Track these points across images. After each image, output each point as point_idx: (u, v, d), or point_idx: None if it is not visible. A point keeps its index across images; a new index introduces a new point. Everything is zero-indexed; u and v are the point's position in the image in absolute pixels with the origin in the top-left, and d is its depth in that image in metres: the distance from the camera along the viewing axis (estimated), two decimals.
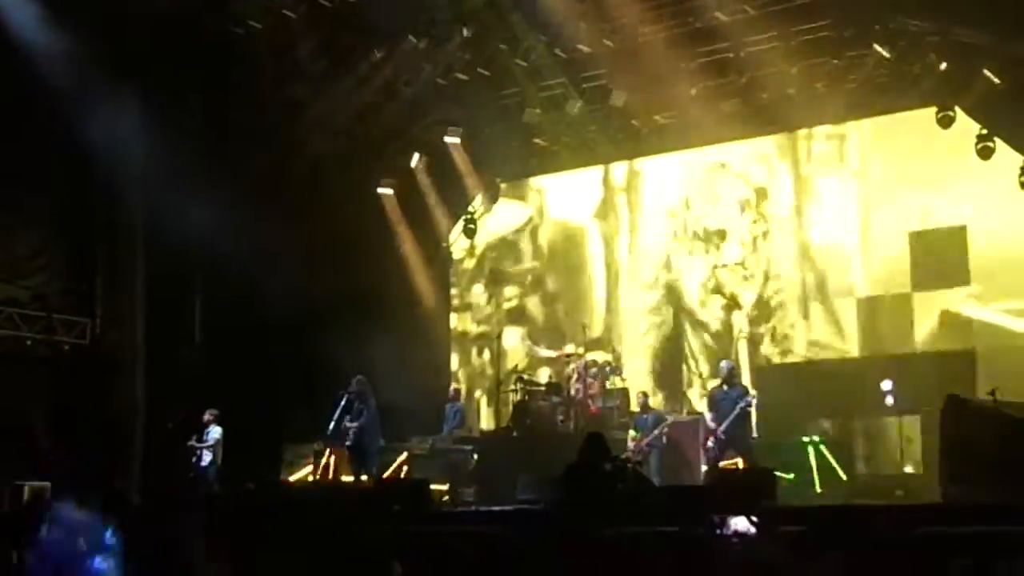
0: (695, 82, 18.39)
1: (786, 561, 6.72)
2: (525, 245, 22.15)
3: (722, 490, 10.90)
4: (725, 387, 14.87)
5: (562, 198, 21.80)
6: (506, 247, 22.30)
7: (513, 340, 21.25)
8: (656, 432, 16.19)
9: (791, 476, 15.49)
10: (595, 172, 21.36)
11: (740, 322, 19.59)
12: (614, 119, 19.72)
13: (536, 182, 21.98)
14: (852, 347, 18.67)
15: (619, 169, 21.21)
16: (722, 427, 14.46)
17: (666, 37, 17.65)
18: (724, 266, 19.93)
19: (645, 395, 17.13)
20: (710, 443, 14.72)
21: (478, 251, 22.45)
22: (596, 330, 20.66)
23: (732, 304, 19.72)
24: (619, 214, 21.26)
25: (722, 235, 20.04)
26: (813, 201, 19.29)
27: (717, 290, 19.93)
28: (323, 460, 17.61)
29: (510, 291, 22.15)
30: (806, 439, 16.19)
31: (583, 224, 21.58)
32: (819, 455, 15.94)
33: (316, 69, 18.42)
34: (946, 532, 7.74)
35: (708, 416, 14.93)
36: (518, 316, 21.84)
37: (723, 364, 15.52)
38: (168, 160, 17.37)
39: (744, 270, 19.74)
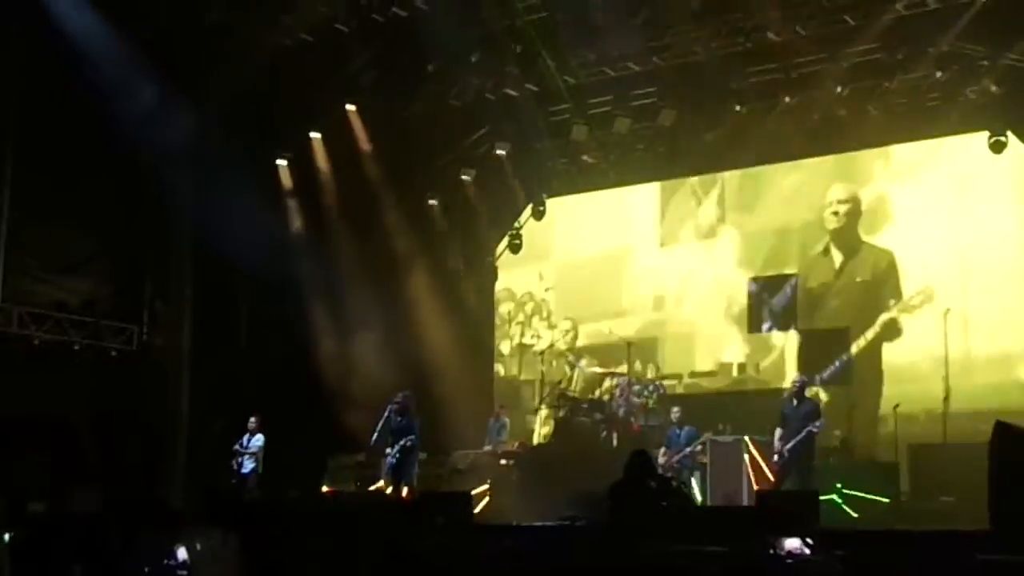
0: (744, 101, 18.36)
1: None
2: (574, 265, 22.09)
3: (767, 510, 10.83)
4: (795, 402, 14.76)
5: (609, 217, 21.73)
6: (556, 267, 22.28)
7: (559, 358, 21.19)
8: (688, 449, 16.09)
9: (832, 496, 15.35)
10: (642, 190, 21.28)
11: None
12: (662, 137, 19.67)
13: (583, 200, 21.91)
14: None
15: (667, 187, 21.12)
16: (788, 445, 14.37)
17: (717, 56, 17.63)
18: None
19: (678, 411, 17.05)
20: (775, 458, 14.62)
21: (525, 267, 22.42)
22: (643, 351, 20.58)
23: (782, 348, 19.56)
24: (664, 233, 21.19)
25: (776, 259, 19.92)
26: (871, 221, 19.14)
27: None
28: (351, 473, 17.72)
29: (557, 309, 22.10)
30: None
31: (630, 243, 21.51)
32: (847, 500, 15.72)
33: (367, 81, 18.57)
34: (1005, 560, 7.65)
35: (777, 433, 14.82)
36: (565, 334, 21.79)
37: (796, 378, 15.41)
38: (219, 169, 17.51)
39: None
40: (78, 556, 8.33)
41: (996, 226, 17.63)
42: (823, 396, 18.09)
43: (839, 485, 15.45)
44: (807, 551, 6.99)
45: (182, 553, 8.32)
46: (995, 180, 17.59)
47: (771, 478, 14.91)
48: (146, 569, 8.08)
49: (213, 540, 8.65)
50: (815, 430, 14.47)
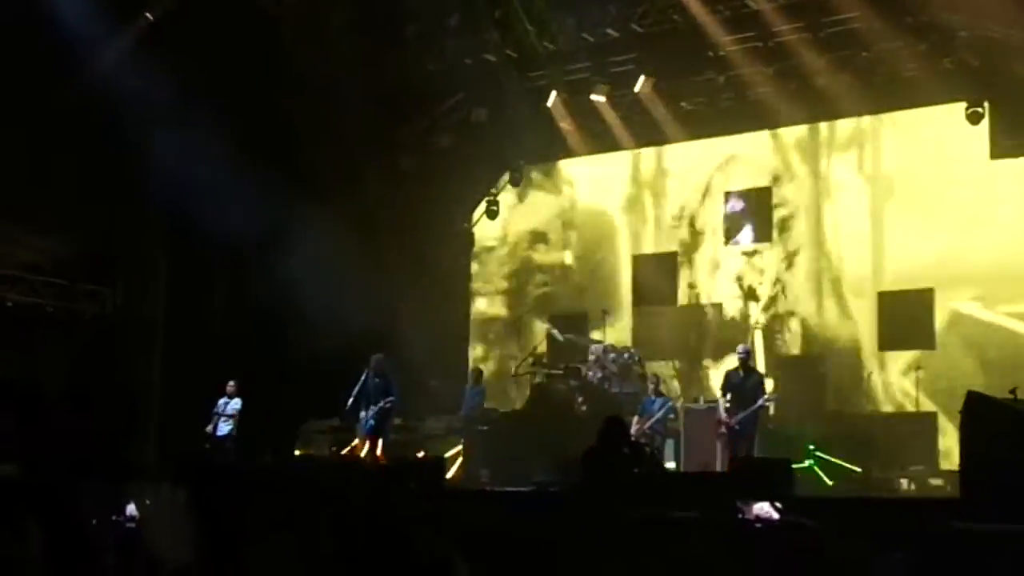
0: (722, 70, 18.33)
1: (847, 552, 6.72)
2: (553, 234, 22.06)
3: (740, 477, 10.89)
4: (742, 372, 14.79)
5: (588, 186, 21.70)
6: (535, 236, 22.23)
7: (535, 325, 21.17)
8: (659, 415, 16.12)
9: (806, 463, 15.47)
10: (618, 158, 21.25)
11: (756, 313, 19.48)
12: (639, 105, 19.62)
13: (564, 170, 21.87)
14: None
15: (642, 156, 21.09)
16: (736, 418, 14.40)
17: (695, 24, 17.58)
18: (744, 255, 19.83)
19: (657, 379, 17.09)
20: (722, 430, 14.67)
21: (506, 236, 22.38)
22: (620, 317, 20.61)
23: (749, 295, 19.63)
24: (642, 202, 21.17)
25: (739, 225, 19.95)
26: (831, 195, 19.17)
27: (736, 280, 19.84)
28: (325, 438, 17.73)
29: (536, 277, 22.08)
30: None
31: (608, 211, 21.50)
32: (823, 465, 15.84)
33: (347, 45, 18.43)
34: (976, 529, 7.71)
35: (721, 403, 14.83)
36: (542, 301, 21.79)
37: (740, 348, 15.45)
38: (197, 136, 17.38)
39: (761, 261, 19.63)
40: (40, 520, 8.27)
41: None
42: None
43: (812, 447, 15.61)
44: (776, 516, 7.03)
45: (131, 508, 8.30)
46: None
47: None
48: (94, 522, 8.05)
49: (162, 494, 8.64)
50: (767, 403, 14.55)
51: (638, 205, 21.16)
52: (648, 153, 20.91)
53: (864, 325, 18.49)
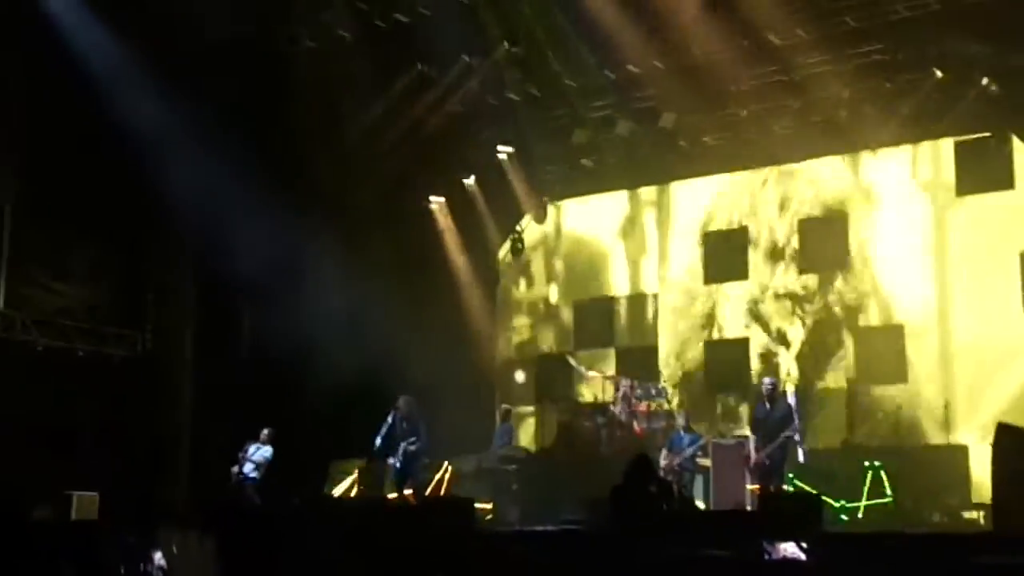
0: (746, 104, 18.35)
1: None
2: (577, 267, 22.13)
3: (769, 514, 10.81)
4: (767, 405, 14.67)
5: (611, 220, 21.75)
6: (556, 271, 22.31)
7: (562, 361, 21.15)
8: (689, 452, 16.04)
9: (839, 504, 15.41)
10: (631, 194, 21.30)
11: (786, 361, 19.40)
12: (663, 140, 19.63)
13: (585, 203, 21.93)
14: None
15: (662, 191, 21.12)
16: (766, 451, 14.30)
17: (718, 59, 17.62)
18: (771, 295, 19.75)
19: (687, 414, 17.04)
20: (752, 467, 14.58)
21: (529, 270, 22.44)
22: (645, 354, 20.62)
23: (778, 338, 19.54)
24: (649, 236, 21.23)
25: (770, 258, 19.89)
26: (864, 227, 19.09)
27: (759, 320, 19.76)
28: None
29: (560, 313, 22.11)
30: (867, 463, 16.01)
31: (610, 246, 21.56)
32: (876, 479, 15.75)
33: (369, 88, 18.58)
34: (1005, 563, 7.62)
35: (751, 440, 14.74)
36: (568, 336, 21.79)
37: (766, 380, 15.33)
38: (222, 178, 17.50)
39: (790, 300, 19.55)
40: (72, 563, 8.34)
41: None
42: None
43: (843, 503, 15.54)
44: (803, 556, 6.98)
45: (158, 556, 8.33)
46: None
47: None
48: (122, 570, 8.09)
49: (190, 542, 8.66)
50: (792, 435, 14.41)
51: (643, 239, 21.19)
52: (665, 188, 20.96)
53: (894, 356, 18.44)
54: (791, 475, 15.67)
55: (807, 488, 15.38)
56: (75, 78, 16.52)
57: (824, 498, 14.34)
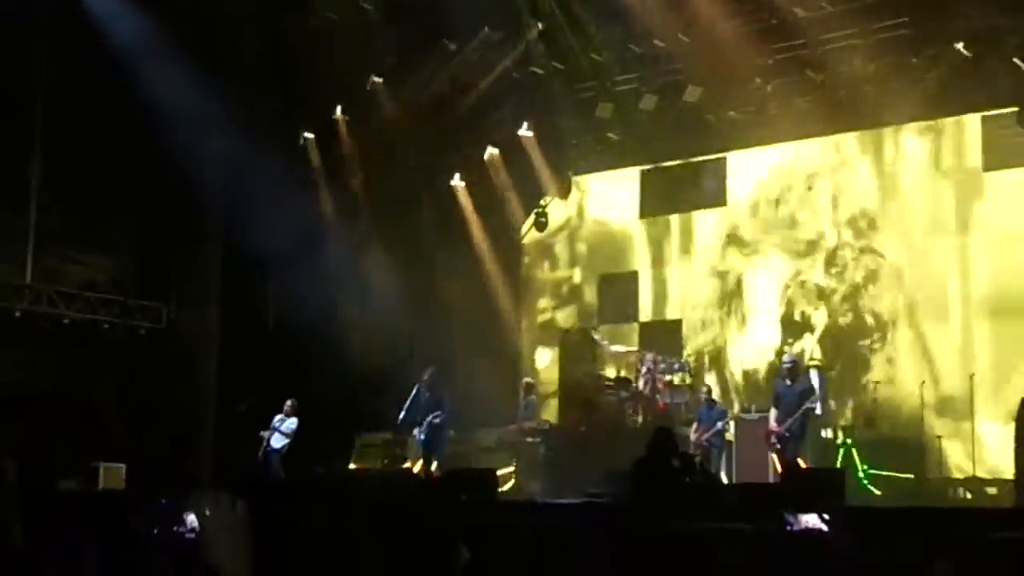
0: (771, 78, 18.27)
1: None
2: (594, 244, 22.16)
3: (792, 488, 10.84)
4: (788, 381, 14.74)
5: (619, 197, 21.75)
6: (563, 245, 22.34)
7: (585, 335, 21.13)
8: (719, 426, 16.09)
9: (863, 468, 15.43)
10: (656, 169, 21.24)
11: (809, 346, 19.37)
12: (688, 114, 19.55)
13: (609, 177, 21.90)
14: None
15: (687, 165, 21.04)
16: (785, 425, 14.36)
17: (743, 33, 17.54)
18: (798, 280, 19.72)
19: (709, 389, 17.07)
20: (773, 440, 14.63)
21: (552, 245, 22.45)
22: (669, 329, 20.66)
23: (803, 324, 19.51)
24: (673, 212, 21.19)
25: (799, 244, 19.85)
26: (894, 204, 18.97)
27: (787, 305, 19.73)
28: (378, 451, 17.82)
29: (584, 288, 22.13)
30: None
31: (634, 221, 21.54)
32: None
33: (392, 61, 18.59)
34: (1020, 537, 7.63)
35: (772, 413, 14.80)
36: (591, 311, 21.80)
37: (786, 357, 15.40)
38: (246, 148, 17.57)
39: (818, 286, 19.51)
40: (97, 534, 8.40)
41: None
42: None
43: (865, 467, 15.54)
44: (824, 527, 7.00)
45: (191, 518, 8.42)
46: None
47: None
48: (155, 531, 8.17)
49: (222, 505, 8.73)
50: (812, 407, 14.50)
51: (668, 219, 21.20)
52: (697, 161, 20.88)
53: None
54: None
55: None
56: (100, 51, 16.60)
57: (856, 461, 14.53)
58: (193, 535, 8.42)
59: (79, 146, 17.77)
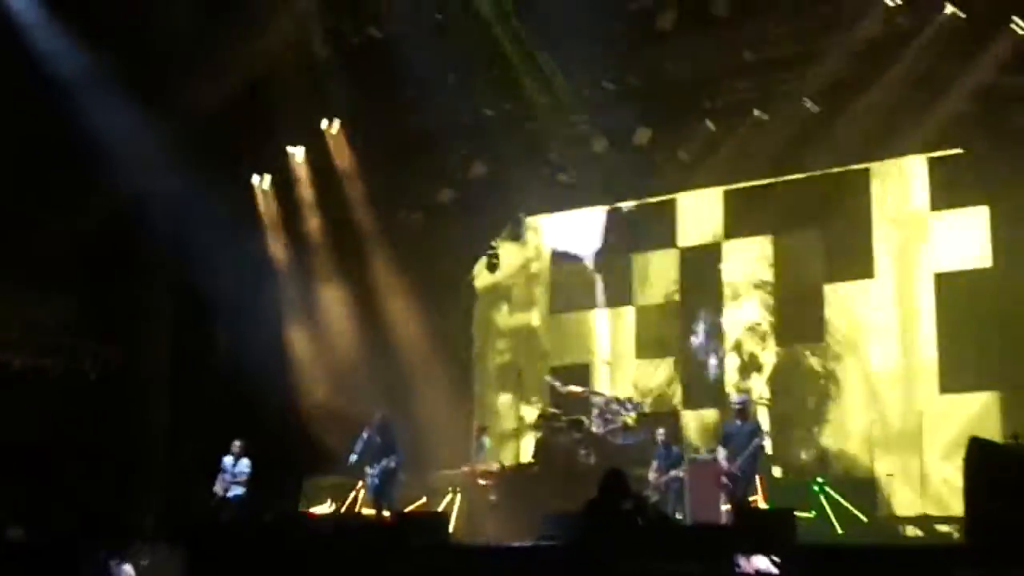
0: (717, 119, 18.44)
1: None
2: (535, 287, 22.22)
3: (741, 529, 10.85)
4: (738, 422, 14.82)
5: (573, 236, 21.84)
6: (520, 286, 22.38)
7: (536, 377, 21.13)
8: (681, 472, 16.09)
9: (812, 514, 15.46)
10: (610, 209, 21.39)
11: (759, 386, 19.44)
12: (638, 156, 19.65)
13: (547, 221, 22.01)
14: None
15: (640, 206, 21.18)
16: (737, 463, 14.41)
17: (691, 75, 17.72)
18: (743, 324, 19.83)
19: (665, 432, 17.10)
20: (724, 480, 14.66)
21: (506, 286, 22.49)
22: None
23: (749, 365, 19.63)
24: (627, 252, 21.29)
25: (739, 289, 19.97)
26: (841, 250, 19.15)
27: (735, 348, 19.85)
28: (352, 493, 17.66)
29: (536, 326, 22.16)
30: (815, 483, 16.15)
31: (588, 261, 21.66)
32: (828, 497, 15.90)
33: (344, 104, 18.62)
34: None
35: (721, 453, 14.85)
36: (543, 354, 21.81)
37: (736, 398, 15.48)
38: (197, 191, 17.48)
39: (764, 327, 19.65)
40: None
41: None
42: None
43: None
44: (774, 570, 7.00)
45: (127, 568, 8.33)
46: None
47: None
48: None
49: (159, 556, 8.66)
50: (761, 443, 14.62)
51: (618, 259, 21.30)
52: (648, 202, 21.02)
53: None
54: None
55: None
56: (40, 83, 16.41)
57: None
58: None
59: (22, 186, 17.53)
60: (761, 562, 7.02)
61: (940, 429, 17.07)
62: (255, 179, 19.98)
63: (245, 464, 16.89)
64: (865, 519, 15.85)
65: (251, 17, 17.31)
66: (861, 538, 15.04)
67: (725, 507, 15.11)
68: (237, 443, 16.96)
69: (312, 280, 19.85)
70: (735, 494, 14.45)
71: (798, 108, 17.66)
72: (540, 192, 21.18)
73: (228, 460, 16.93)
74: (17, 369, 17.84)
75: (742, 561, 7.10)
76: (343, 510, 17.37)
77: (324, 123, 19.36)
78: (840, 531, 15.49)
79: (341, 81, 18.44)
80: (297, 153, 19.81)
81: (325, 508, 17.85)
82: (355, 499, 17.19)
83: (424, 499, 17.51)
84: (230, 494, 16.77)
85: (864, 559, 8.96)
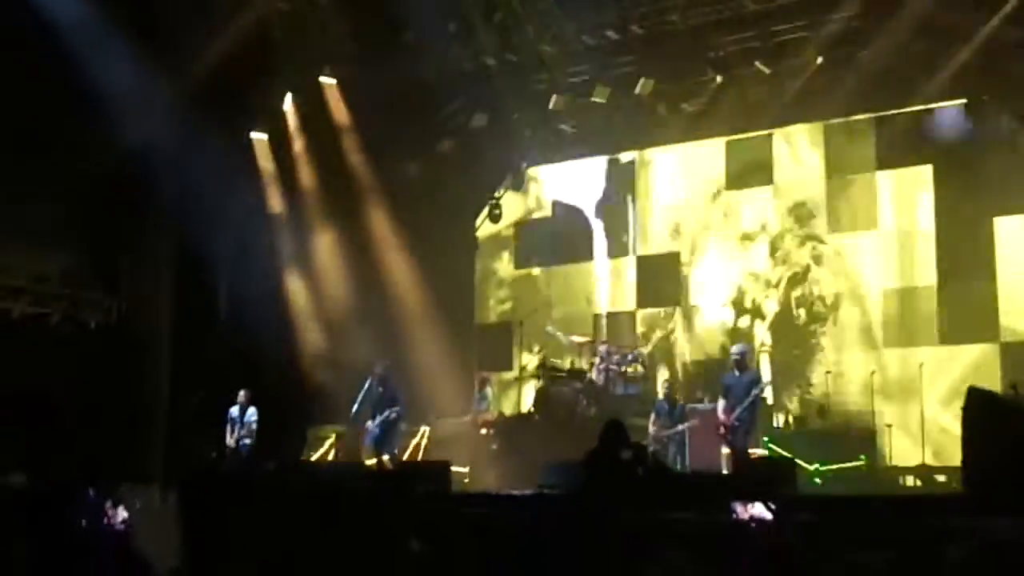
0: (721, 70, 18.35)
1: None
2: (542, 236, 22.22)
3: (742, 477, 10.91)
4: (737, 372, 14.82)
5: (574, 187, 21.81)
6: (532, 236, 22.35)
7: (538, 327, 21.15)
8: (681, 428, 16.08)
9: (813, 467, 15.55)
10: (611, 160, 21.37)
11: (761, 334, 19.49)
12: (640, 106, 19.58)
13: (553, 171, 21.97)
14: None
15: (642, 157, 21.16)
16: (735, 414, 14.43)
17: (694, 25, 17.62)
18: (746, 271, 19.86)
19: (669, 383, 17.09)
20: (722, 431, 14.69)
21: (506, 237, 22.48)
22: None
23: (753, 313, 19.65)
24: (628, 203, 21.27)
25: (745, 236, 19.97)
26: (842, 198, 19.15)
27: (736, 297, 19.87)
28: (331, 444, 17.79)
29: (537, 276, 22.18)
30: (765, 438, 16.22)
31: (589, 212, 21.66)
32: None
33: (343, 52, 18.51)
34: (969, 523, 7.70)
35: (720, 404, 14.87)
36: (544, 303, 21.83)
37: (735, 348, 15.46)
38: (196, 142, 17.42)
39: (767, 276, 19.66)
40: (31, 527, 8.32)
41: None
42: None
43: (817, 466, 15.69)
44: (769, 516, 7.05)
45: (121, 511, 8.35)
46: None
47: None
48: (83, 523, 8.10)
49: (152, 498, 8.69)
50: (760, 394, 14.61)
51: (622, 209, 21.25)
52: (650, 152, 20.99)
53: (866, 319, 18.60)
54: (766, 439, 15.91)
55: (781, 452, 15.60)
56: (42, 36, 16.31)
57: (798, 461, 14.61)
58: (123, 527, 8.35)
59: (24, 137, 17.48)
60: (758, 509, 7.06)
61: (939, 379, 17.17)
62: (254, 133, 19.88)
63: (252, 413, 16.97)
64: (864, 460, 15.93)
65: None
66: (860, 488, 15.14)
67: (726, 452, 15.13)
68: (243, 393, 17.03)
69: (312, 232, 19.82)
70: (734, 444, 14.47)
71: (803, 60, 17.58)
72: (542, 142, 21.11)
73: (235, 411, 17.02)
74: (16, 317, 17.85)
75: (739, 508, 7.14)
76: (345, 459, 17.44)
77: (323, 74, 19.24)
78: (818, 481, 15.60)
79: (340, 31, 18.31)
80: (296, 105, 19.69)
81: (326, 456, 17.94)
82: (357, 448, 17.22)
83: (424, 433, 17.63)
84: (241, 443, 16.87)
85: (861, 507, 9.01)
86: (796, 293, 19.28)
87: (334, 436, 17.99)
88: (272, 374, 18.20)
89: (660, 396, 16.62)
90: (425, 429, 17.80)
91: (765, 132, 19.56)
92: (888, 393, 17.77)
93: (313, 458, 17.85)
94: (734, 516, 7.07)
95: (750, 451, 14.65)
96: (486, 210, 21.99)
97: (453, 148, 20.62)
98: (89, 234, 18.97)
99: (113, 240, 19.15)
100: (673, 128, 19.93)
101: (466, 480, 16.51)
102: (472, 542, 9.64)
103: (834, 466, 15.73)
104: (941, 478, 16.00)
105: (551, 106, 19.59)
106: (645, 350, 19.62)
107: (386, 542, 8.95)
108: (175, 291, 19.11)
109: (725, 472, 14.56)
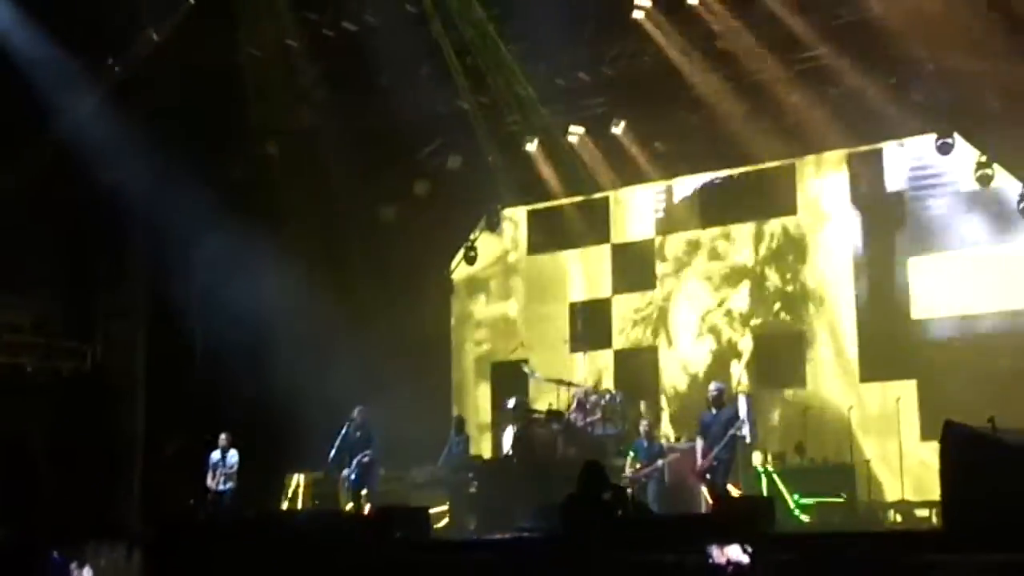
0: (693, 109, 18.44)
1: None
2: (512, 279, 22.20)
3: (720, 518, 10.87)
4: (714, 410, 14.80)
5: (548, 228, 21.86)
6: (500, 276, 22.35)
7: (516, 369, 21.10)
8: (659, 464, 16.05)
9: (795, 498, 15.54)
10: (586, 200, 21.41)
11: (737, 372, 19.51)
12: (614, 147, 19.65)
13: (538, 211, 22.01)
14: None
15: (614, 196, 21.22)
16: (713, 453, 14.40)
17: (666, 64, 17.70)
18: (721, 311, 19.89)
19: (649, 422, 17.07)
20: (699, 469, 14.65)
21: (483, 278, 22.47)
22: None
23: (730, 351, 19.68)
24: (602, 243, 21.33)
25: (724, 276, 20.02)
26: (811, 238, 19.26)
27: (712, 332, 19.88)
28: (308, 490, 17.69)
29: (511, 317, 22.15)
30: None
31: (565, 253, 21.70)
32: (771, 484, 15.96)
33: (319, 96, 18.53)
34: (947, 560, 7.70)
35: (699, 443, 14.85)
36: (521, 344, 21.77)
37: (712, 386, 15.44)
38: (172, 188, 17.39)
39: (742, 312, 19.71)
40: None
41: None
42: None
43: (796, 497, 15.67)
44: (746, 559, 7.02)
45: (87, 572, 8.28)
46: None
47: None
48: None
49: (117, 556, 8.61)
50: (738, 433, 14.54)
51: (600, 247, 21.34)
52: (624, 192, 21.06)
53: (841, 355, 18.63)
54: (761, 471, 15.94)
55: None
56: (14, 84, 16.28)
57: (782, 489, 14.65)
58: None
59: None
60: (734, 552, 7.03)
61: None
62: (231, 173, 19.83)
63: (233, 455, 16.92)
64: (844, 497, 15.94)
65: (226, 11, 17.20)
66: (841, 524, 15.13)
67: (705, 491, 15.09)
68: (224, 436, 16.99)
69: (287, 275, 19.74)
70: (714, 483, 14.44)
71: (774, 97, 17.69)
72: (517, 183, 21.14)
73: (216, 455, 16.94)
74: None
75: (715, 551, 7.10)
76: (323, 506, 17.34)
77: (299, 116, 19.24)
78: (805, 518, 15.58)
79: (313, 75, 18.34)
80: (270, 148, 19.67)
81: (295, 502, 17.84)
82: (335, 494, 17.12)
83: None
84: (221, 487, 16.77)
85: (838, 545, 8.99)
86: (772, 330, 19.31)
87: (312, 482, 17.89)
88: (248, 417, 18.08)
89: (640, 435, 16.57)
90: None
91: (740, 170, 19.60)
92: (866, 428, 17.77)
93: (290, 505, 17.73)
94: (710, 560, 7.04)
95: (729, 488, 14.62)
96: (461, 252, 21.98)
97: (428, 190, 20.61)
98: (62, 281, 18.88)
99: (86, 287, 19.07)
100: (647, 167, 19.96)
101: (445, 524, 16.41)
102: None
103: (815, 499, 15.75)
104: (921, 512, 15.98)
105: (524, 148, 19.63)
106: (623, 390, 19.55)
107: None
108: (149, 336, 19.02)
109: (704, 511, 14.52)
